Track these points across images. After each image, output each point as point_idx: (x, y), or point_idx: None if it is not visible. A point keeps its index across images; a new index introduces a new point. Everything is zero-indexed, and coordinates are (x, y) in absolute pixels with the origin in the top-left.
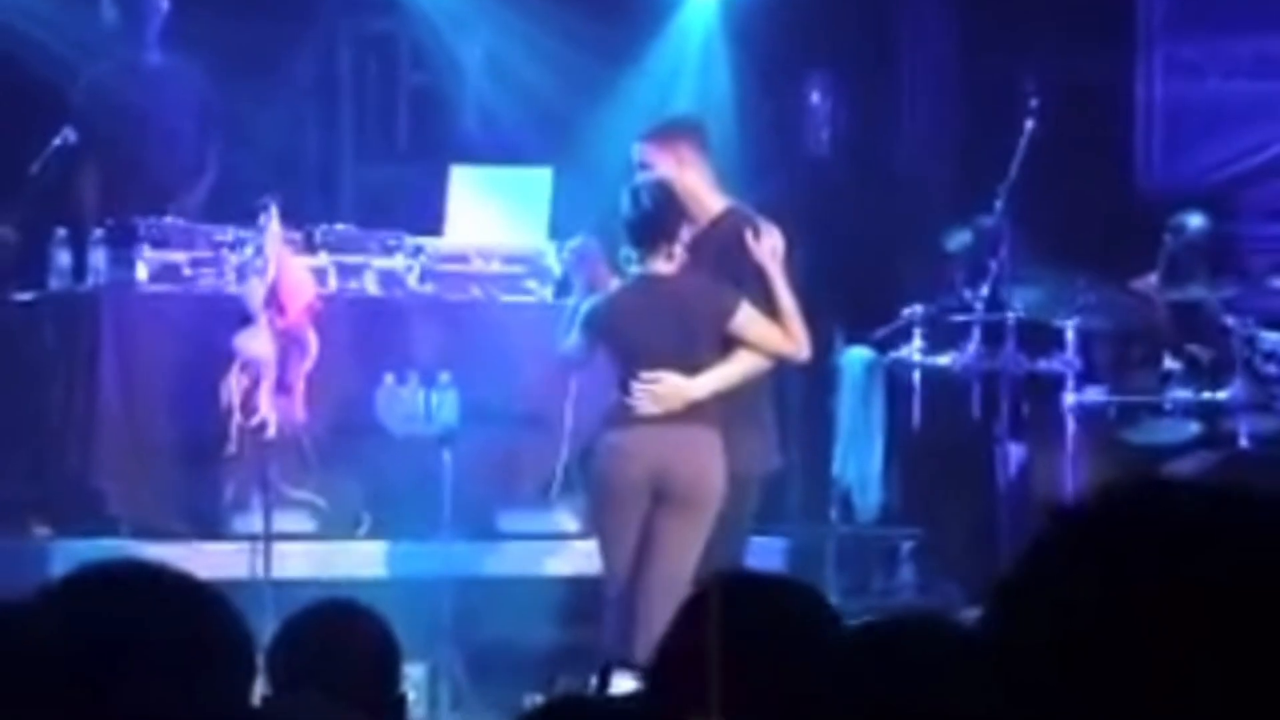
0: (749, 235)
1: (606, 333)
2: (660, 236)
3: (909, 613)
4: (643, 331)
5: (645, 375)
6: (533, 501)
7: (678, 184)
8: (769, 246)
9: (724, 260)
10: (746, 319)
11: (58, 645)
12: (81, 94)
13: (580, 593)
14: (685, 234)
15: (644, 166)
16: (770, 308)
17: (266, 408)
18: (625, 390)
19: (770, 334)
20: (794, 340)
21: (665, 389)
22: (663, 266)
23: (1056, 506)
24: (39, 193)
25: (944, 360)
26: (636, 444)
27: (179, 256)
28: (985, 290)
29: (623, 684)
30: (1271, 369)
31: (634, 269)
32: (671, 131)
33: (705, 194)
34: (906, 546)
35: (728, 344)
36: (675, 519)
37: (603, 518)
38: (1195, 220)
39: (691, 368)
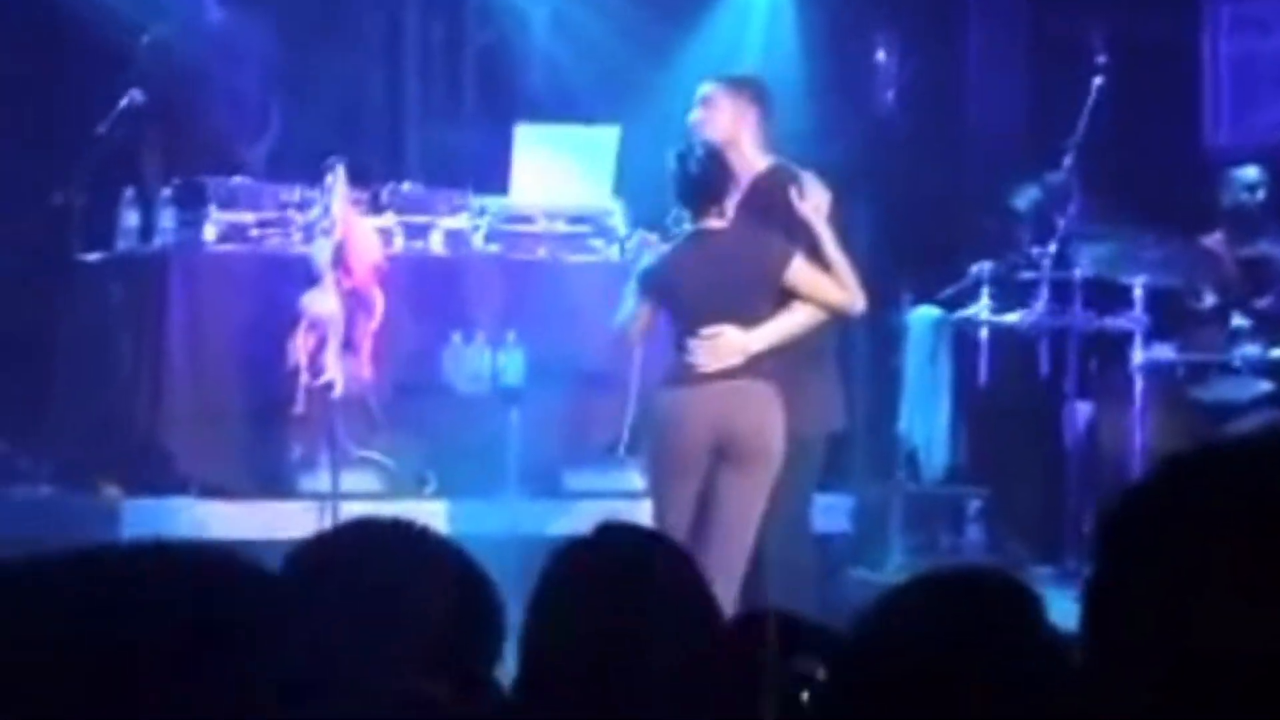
0: (793, 191)
1: (661, 291)
2: (708, 197)
3: (972, 567)
4: (697, 286)
5: (704, 331)
6: (599, 460)
7: (727, 135)
8: (814, 203)
9: (770, 216)
10: (799, 270)
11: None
12: (145, 55)
13: None
14: (733, 191)
15: (705, 102)
16: (820, 263)
17: (333, 367)
18: (683, 347)
19: (824, 285)
20: (848, 292)
21: (725, 343)
22: (714, 223)
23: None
24: (106, 154)
25: (1011, 318)
26: (696, 401)
27: (246, 216)
28: (1053, 248)
29: None
30: None
31: (685, 227)
32: (738, 83)
33: (753, 151)
34: (974, 506)
35: (783, 298)
36: (736, 476)
37: (661, 476)
38: (1250, 173)
39: (748, 321)
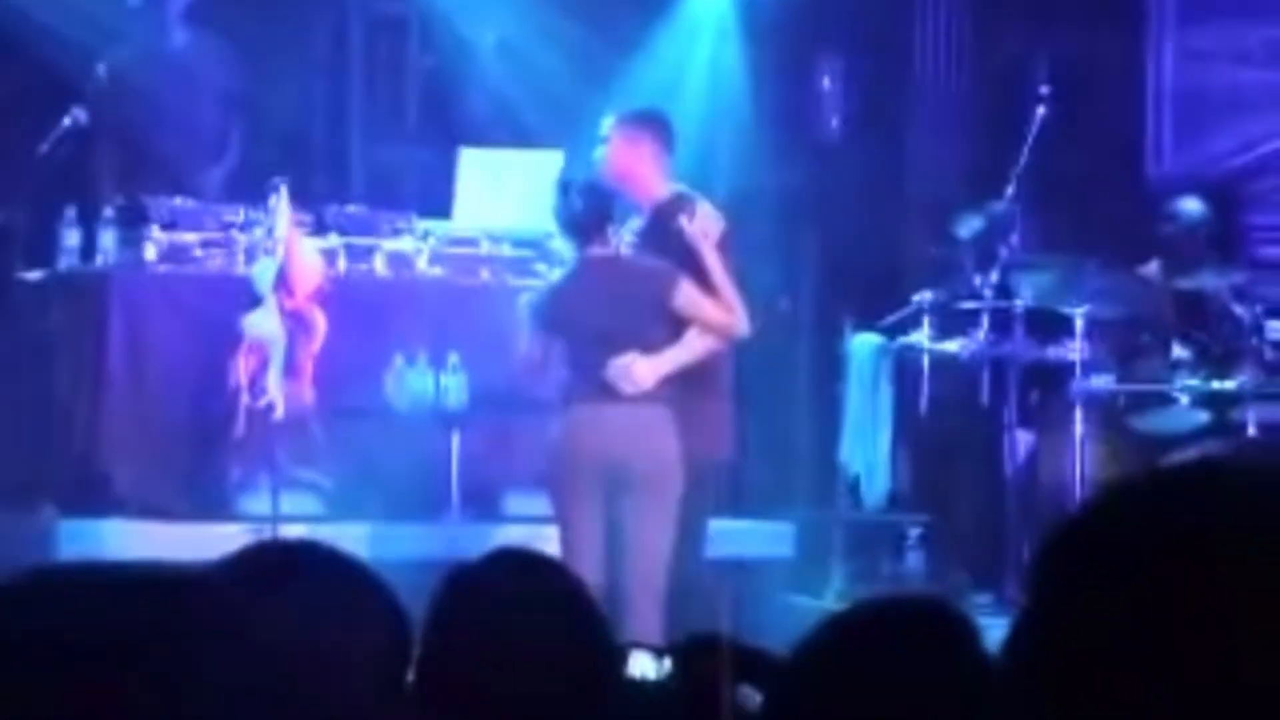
0: (683, 217)
1: (551, 320)
2: (590, 227)
3: (905, 596)
4: (587, 312)
5: (616, 360)
6: (539, 485)
7: (623, 169)
8: (701, 228)
9: (667, 242)
10: (685, 295)
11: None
12: (102, 78)
13: None
14: (634, 221)
15: (604, 139)
16: (707, 288)
17: (274, 389)
18: (577, 372)
19: (708, 309)
20: (732, 316)
21: (639, 369)
22: (598, 251)
23: (1065, 516)
24: (48, 173)
25: (953, 347)
26: (590, 426)
27: (189, 237)
28: (995, 276)
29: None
30: None
31: (571, 255)
32: (634, 119)
33: (654, 182)
34: (914, 533)
35: (675, 324)
36: (635, 501)
37: (561, 501)
38: (1190, 205)
39: (639, 345)
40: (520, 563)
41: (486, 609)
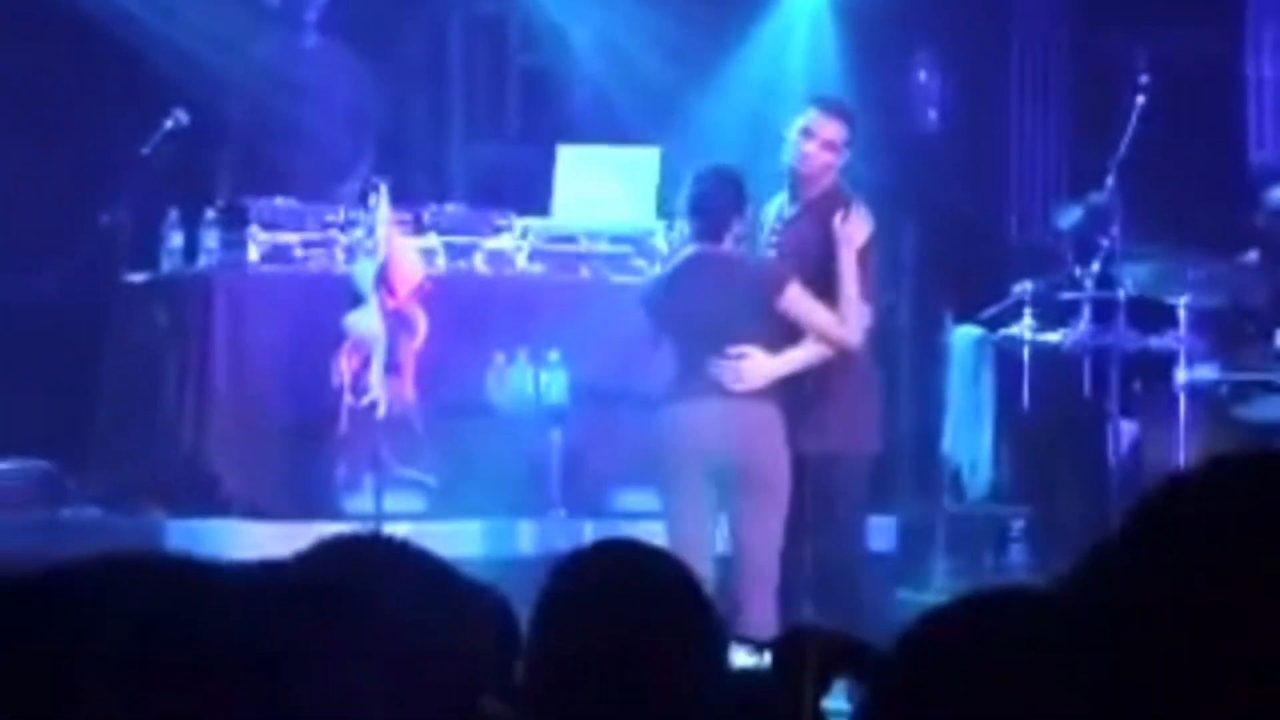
0: (837, 217)
1: (660, 312)
2: (717, 221)
3: (1000, 586)
4: (695, 306)
5: (732, 350)
6: (642, 480)
7: (827, 165)
8: (848, 231)
9: (812, 236)
10: (792, 299)
11: None
12: (236, 83)
13: None
14: (779, 203)
15: (805, 132)
16: (830, 291)
17: (377, 388)
18: (682, 367)
19: (818, 315)
20: (844, 326)
21: (751, 365)
22: (710, 245)
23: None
24: (151, 175)
25: (1054, 338)
26: (693, 422)
27: (290, 237)
28: (1096, 267)
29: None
30: None
31: (689, 248)
32: (840, 112)
33: (830, 175)
34: (1017, 526)
35: (785, 325)
36: (742, 501)
37: (665, 494)
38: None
39: (745, 344)
40: (625, 553)
41: (593, 600)
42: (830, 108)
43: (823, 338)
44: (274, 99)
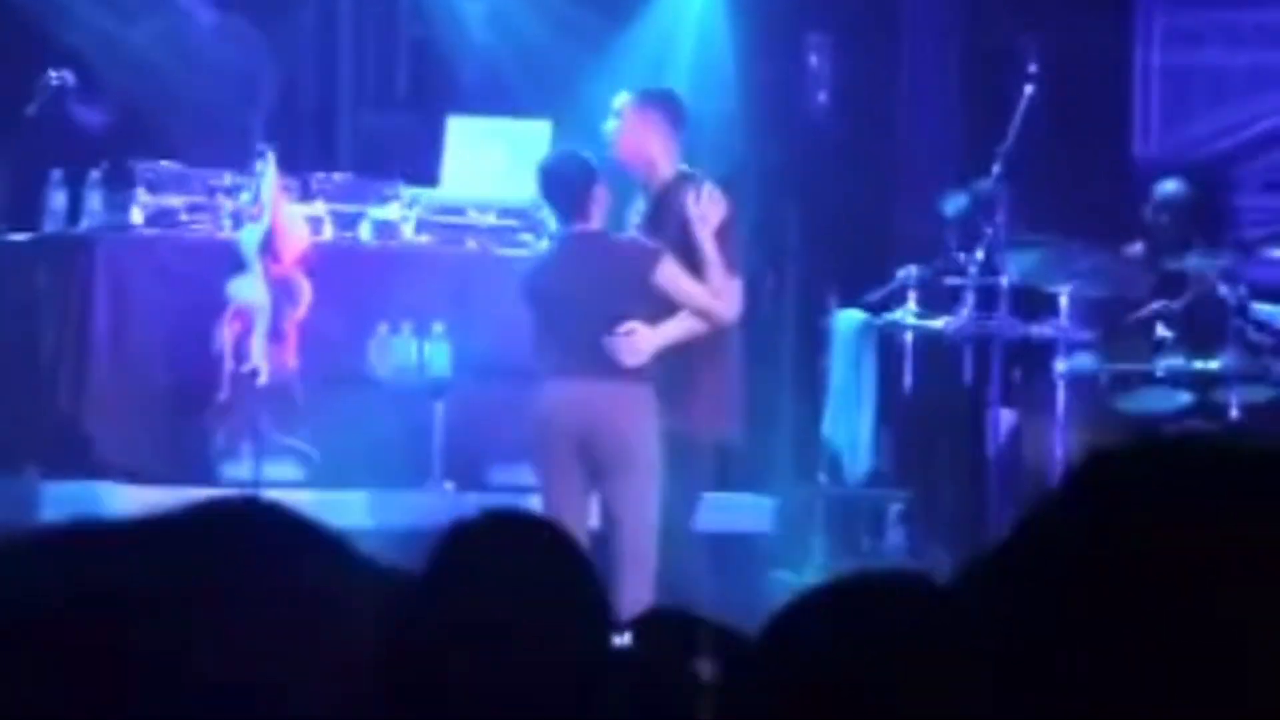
0: (690, 198)
1: (534, 293)
2: (573, 203)
3: (878, 571)
4: (568, 287)
5: (621, 328)
6: (524, 455)
7: (635, 147)
8: (701, 209)
9: (666, 223)
10: (666, 274)
11: None
12: (127, 49)
13: None
14: (638, 201)
15: (617, 114)
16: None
17: (259, 355)
18: (555, 346)
19: (695, 291)
20: (718, 301)
21: (639, 338)
22: (581, 225)
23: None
24: (34, 134)
25: (937, 324)
26: (563, 400)
27: (175, 201)
28: (980, 254)
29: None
30: (1264, 339)
31: (556, 229)
32: (649, 97)
33: (661, 161)
34: (895, 509)
35: (659, 303)
36: (609, 480)
37: (540, 473)
38: (1174, 187)
39: (619, 323)
40: (515, 524)
41: (482, 569)
42: (641, 91)
43: (699, 312)
44: (165, 69)
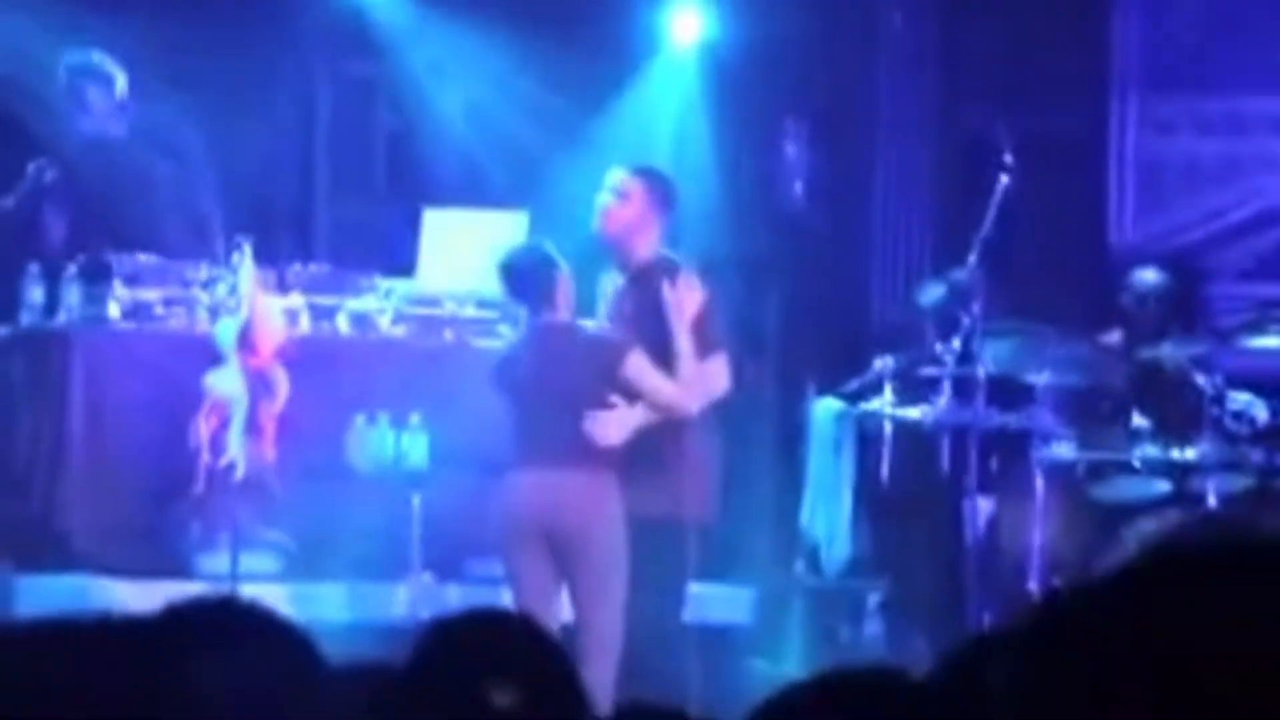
0: (665, 285)
1: (504, 381)
2: (540, 295)
3: (860, 668)
4: (536, 378)
5: (568, 423)
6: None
7: (633, 226)
8: (677, 298)
9: (641, 306)
10: (636, 367)
11: None
12: (48, 168)
13: None
14: (614, 277)
15: (617, 191)
16: (693, 356)
17: (236, 448)
18: (522, 437)
19: (661, 385)
20: (683, 392)
21: (615, 422)
22: (549, 316)
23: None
24: (11, 228)
25: (914, 413)
26: (529, 491)
27: (151, 294)
28: (957, 344)
29: None
30: (1241, 428)
31: (523, 320)
32: (651, 176)
33: (644, 242)
34: (874, 599)
35: (626, 394)
36: (580, 571)
37: (506, 562)
38: (1149, 275)
39: (583, 409)
40: (495, 625)
41: (463, 672)
42: (635, 167)
43: (662, 407)
44: (95, 183)
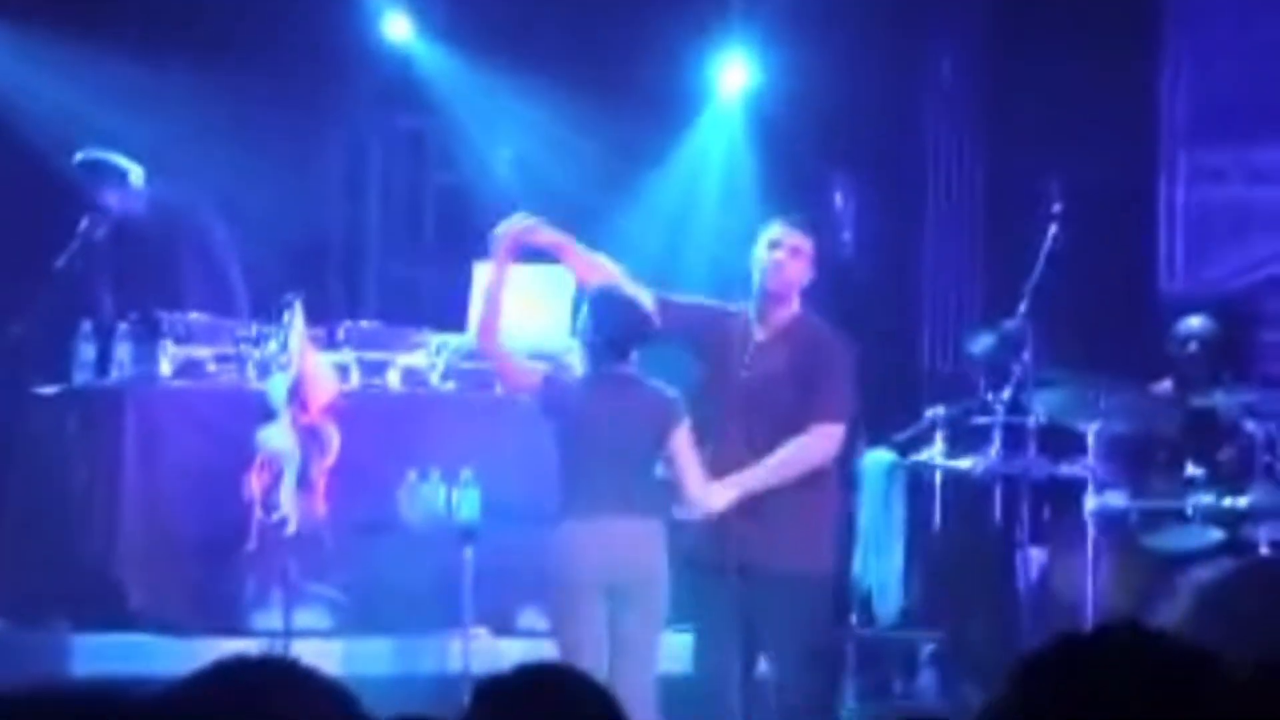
0: (815, 345)
1: (561, 422)
2: (623, 347)
3: (920, 715)
4: (596, 426)
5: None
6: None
7: (800, 284)
8: (826, 358)
9: (787, 367)
10: (682, 439)
11: None
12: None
13: None
14: (761, 331)
15: (791, 249)
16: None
17: (288, 503)
18: (578, 484)
19: (690, 467)
20: (702, 488)
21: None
22: (618, 367)
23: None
24: (63, 286)
25: (965, 463)
26: (588, 538)
27: (202, 351)
28: (1007, 393)
29: None
30: None
31: (586, 366)
32: (810, 228)
33: (796, 302)
34: (927, 650)
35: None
36: (629, 620)
37: (560, 613)
38: (1198, 323)
39: (637, 464)
40: (552, 679)
41: None
42: (795, 220)
43: (683, 487)
44: (122, 259)
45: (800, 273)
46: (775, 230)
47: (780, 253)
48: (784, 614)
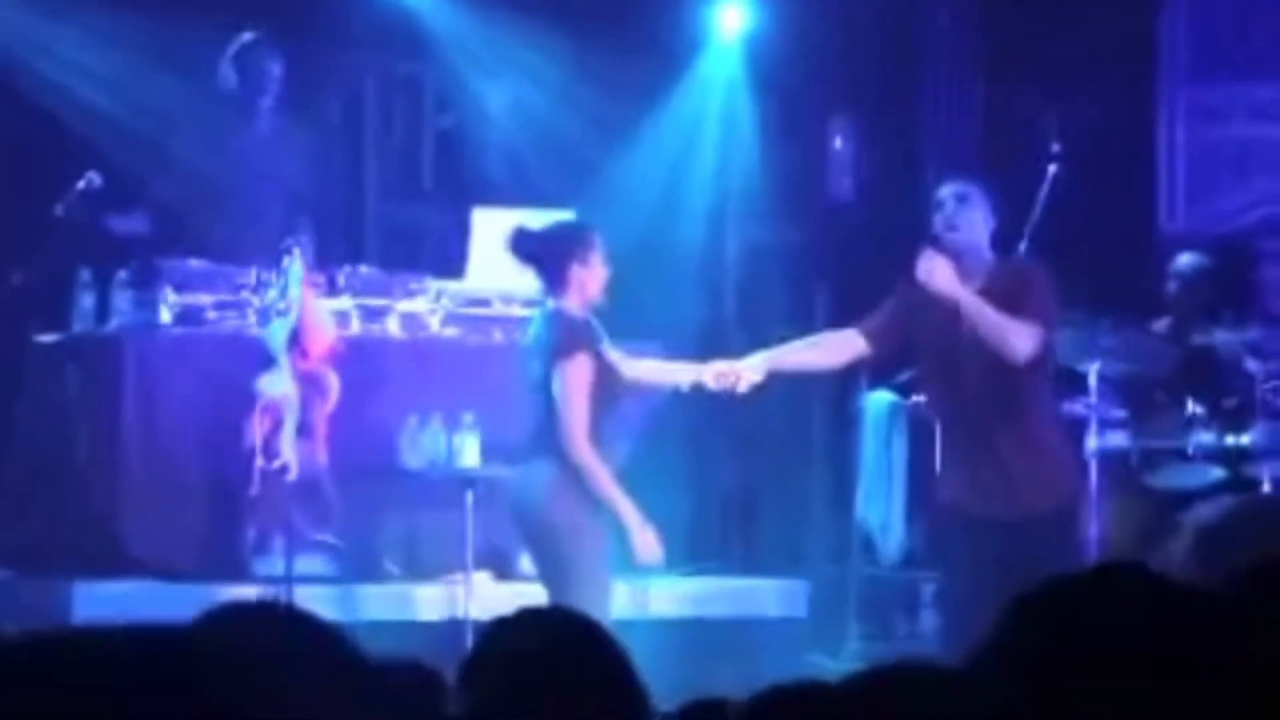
0: (1029, 281)
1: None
2: (550, 273)
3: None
4: (524, 365)
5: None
6: None
7: (979, 232)
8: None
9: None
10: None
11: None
12: (170, 154)
13: None
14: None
15: (962, 198)
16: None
17: (288, 450)
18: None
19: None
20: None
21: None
22: (555, 298)
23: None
24: (62, 235)
25: None
26: (509, 487)
27: (202, 298)
28: None
29: None
30: None
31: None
32: (973, 180)
33: (985, 244)
34: (929, 591)
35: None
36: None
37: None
38: (1195, 260)
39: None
40: (556, 622)
41: (525, 668)
42: (969, 177)
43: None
44: (210, 173)
45: (980, 222)
46: (953, 186)
47: (959, 206)
48: None
